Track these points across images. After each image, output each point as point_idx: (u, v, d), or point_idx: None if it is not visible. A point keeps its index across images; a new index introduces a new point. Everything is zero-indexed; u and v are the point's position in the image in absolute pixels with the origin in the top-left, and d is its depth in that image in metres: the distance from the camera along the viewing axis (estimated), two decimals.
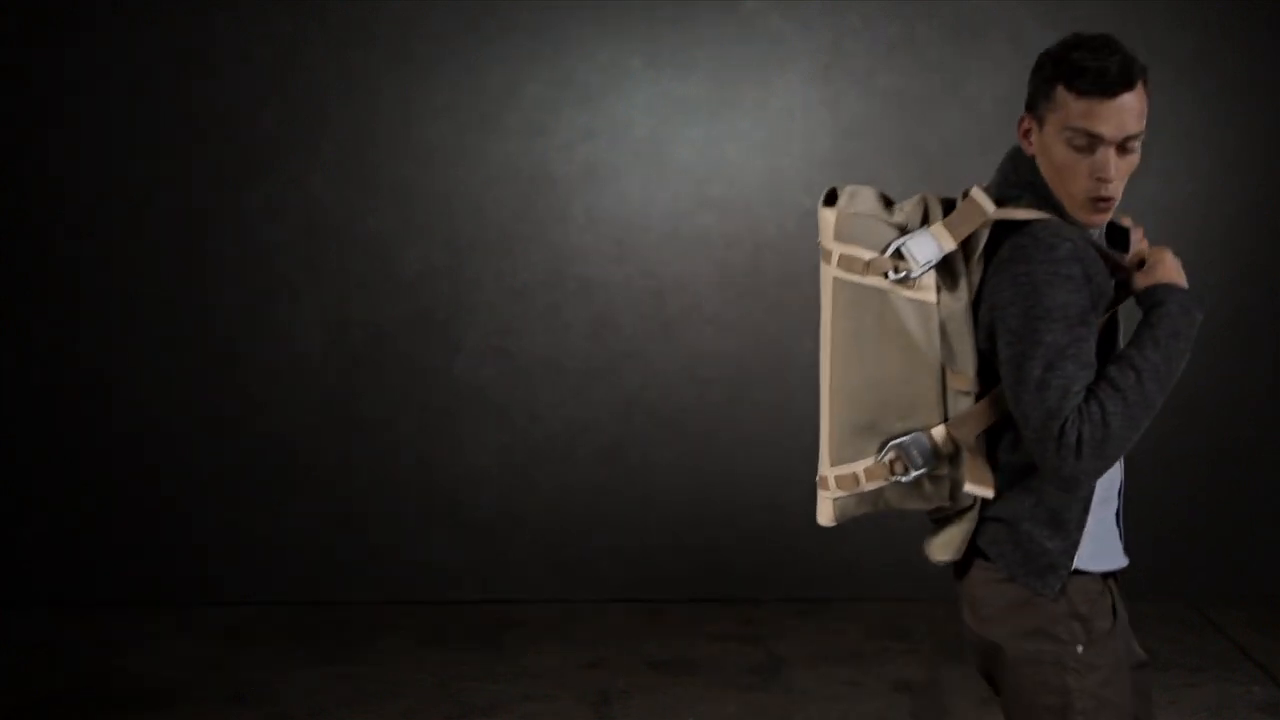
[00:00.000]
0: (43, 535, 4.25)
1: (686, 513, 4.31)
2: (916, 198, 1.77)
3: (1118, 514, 1.86)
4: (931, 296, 1.70)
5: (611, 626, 4.12)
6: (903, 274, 1.69)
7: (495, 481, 4.31)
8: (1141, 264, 1.80)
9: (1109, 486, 1.83)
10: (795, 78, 4.18)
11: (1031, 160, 1.79)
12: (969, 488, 1.74)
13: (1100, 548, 1.80)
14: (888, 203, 1.78)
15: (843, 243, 1.73)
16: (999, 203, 1.73)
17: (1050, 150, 1.73)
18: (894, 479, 1.74)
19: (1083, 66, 1.67)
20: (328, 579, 4.30)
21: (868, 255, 1.71)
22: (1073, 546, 1.75)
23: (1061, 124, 1.70)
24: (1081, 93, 1.68)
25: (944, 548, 1.83)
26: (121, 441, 4.23)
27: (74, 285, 4.17)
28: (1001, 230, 1.70)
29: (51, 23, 4.05)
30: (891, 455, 1.74)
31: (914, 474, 1.73)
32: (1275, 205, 4.29)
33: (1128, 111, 1.68)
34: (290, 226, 4.19)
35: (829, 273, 1.76)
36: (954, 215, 1.69)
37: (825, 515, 1.82)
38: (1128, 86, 1.68)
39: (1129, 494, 1.88)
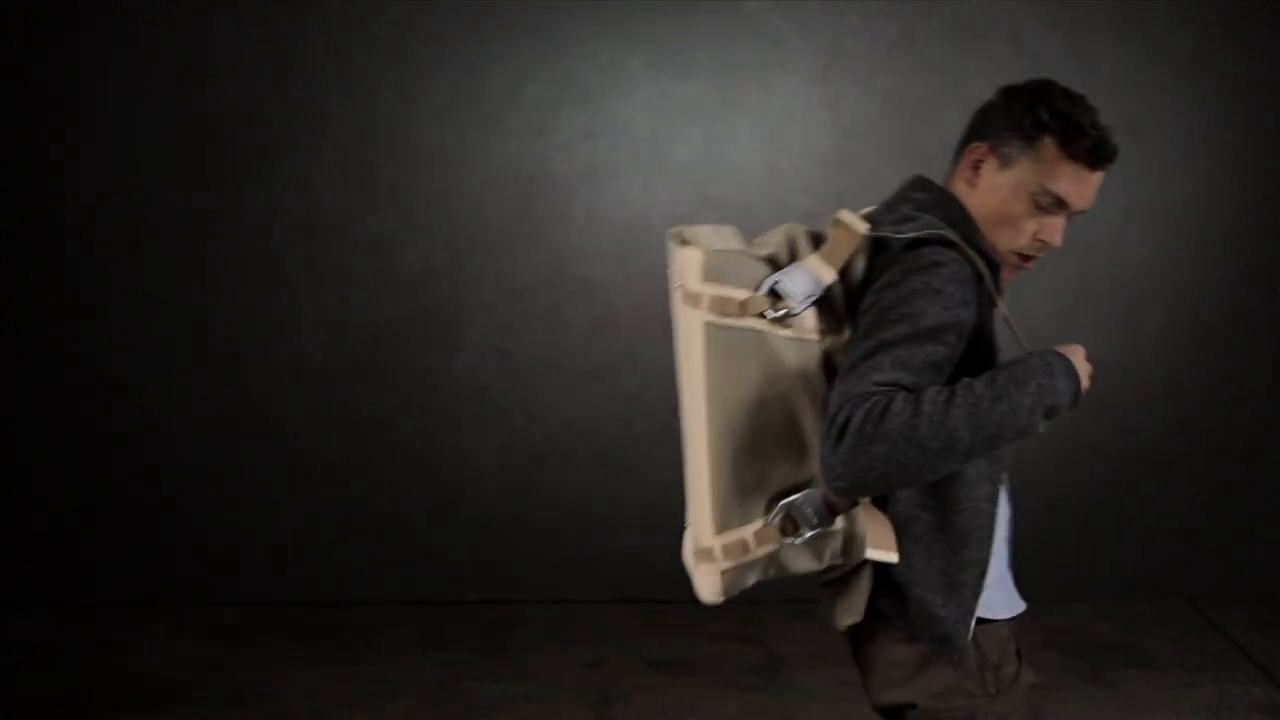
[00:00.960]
0: (43, 535, 4.25)
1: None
2: (780, 229, 1.62)
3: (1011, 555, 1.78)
4: (814, 334, 1.57)
5: (611, 626, 4.11)
6: (782, 312, 1.53)
7: (495, 481, 4.31)
8: None
9: (1001, 529, 1.72)
10: (795, 78, 4.18)
11: (947, 191, 1.69)
12: (870, 553, 1.59)
13: (1001, 593, 1.72)
14: (746, 239, 1.66)
15: (713, 283, 1.54)
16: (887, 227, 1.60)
17: (1004, 195, 1.64)
18: (787, 541, 1.56)
19: (1084, 130, 1.59)
20: (328, 579, 4.30)
21: (742, 295, 1.54)
22: (968, 614, 1.62)
23: (1034, 178, 1.61)
24: (1072, 155, 1.60)
25: (847, 612, 1.68)
26: (121, 441, 4.23)
27: (74, 285, 4.17)
28: (889, 257, 1.57)
29: (51, 23, 4.05)
30: (781, 515, 1.56)
31: (808, 534, 1.55)
32: (1275, 205, 4.29)
33: (1096, 187, 1.64)
34: (290, 226, 4.19)
35: (696, 318, 1.57)
36: (827, 244, 1.56)
37: (710, 590, 1.61)
38: (1111, 162, 1.63)
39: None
